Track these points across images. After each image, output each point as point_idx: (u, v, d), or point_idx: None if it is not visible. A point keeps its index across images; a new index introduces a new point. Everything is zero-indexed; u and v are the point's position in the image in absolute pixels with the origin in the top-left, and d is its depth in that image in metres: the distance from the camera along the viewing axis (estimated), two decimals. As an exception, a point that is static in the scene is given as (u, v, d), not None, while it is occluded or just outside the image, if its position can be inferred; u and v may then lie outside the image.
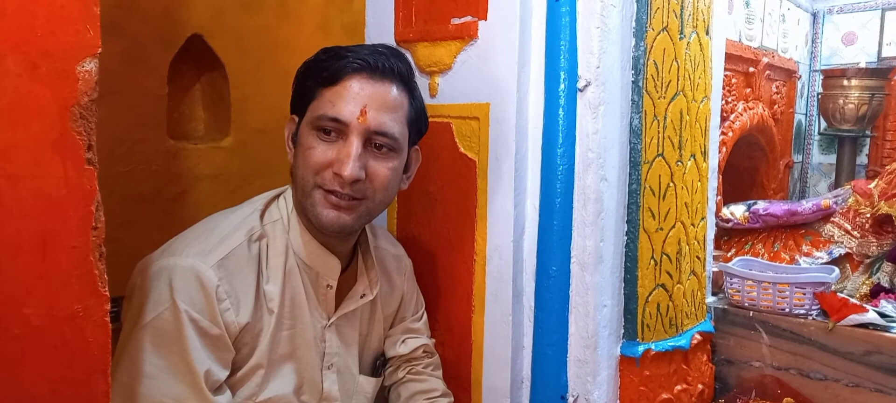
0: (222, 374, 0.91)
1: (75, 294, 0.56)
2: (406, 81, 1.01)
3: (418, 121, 1.05)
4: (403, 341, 1.19)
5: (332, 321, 1.05)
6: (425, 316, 1.25)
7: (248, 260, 0.94)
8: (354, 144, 0.93)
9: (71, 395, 0.57)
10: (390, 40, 1.31)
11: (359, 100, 0.94)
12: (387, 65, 0.97)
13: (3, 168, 0.53)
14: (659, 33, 1.18)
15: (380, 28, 1.33)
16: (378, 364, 1.18)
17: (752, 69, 2.07)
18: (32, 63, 0.53)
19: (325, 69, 0.96)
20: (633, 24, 1.15)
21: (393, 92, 0.97)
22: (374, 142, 0.96)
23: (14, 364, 0.55)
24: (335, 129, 0.94)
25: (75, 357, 0.57)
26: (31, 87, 0.53)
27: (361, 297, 1.09)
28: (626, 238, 1.20)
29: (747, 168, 2.34)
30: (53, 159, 0.54)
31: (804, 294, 1.44)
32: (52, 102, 0.54)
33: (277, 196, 1.04)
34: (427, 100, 1.26)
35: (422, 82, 1.27)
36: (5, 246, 0.53)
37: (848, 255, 1.76)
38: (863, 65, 2.41)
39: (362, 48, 1.00)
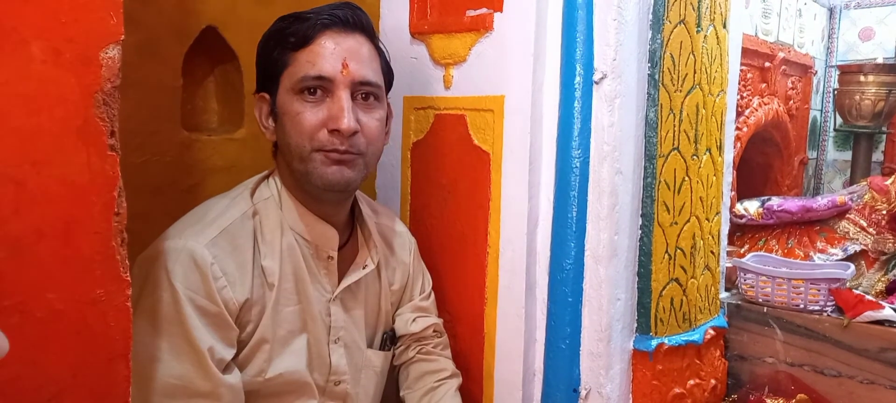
0: (227, 353, 0.91)
1: (97, 279, 0.57)
2: (372, 33, 1.03)
3: (388, 72, 1.08)
4: (414, 320, 1.19)
5: (336, 293, 1.05)
6: (433, 295, 1.25)
7: (242, 238, 0.95)
8: (344, 97, 0.95)
9: (92, 379, 0.58)
10: (405, 33, 1.31)
11: (337, 54, 0.95)
12: (354, 18, 0.98)
13: (28, 154, 0.53)
14: (676, 26, 1.17)
15: (394, 20, 1.33)
16: (386, 340, 1.18)
17: (767, 64, 2.05)
18: (56, 49, 0.54)
19: (291, 34, 0.96)
20: (650, 16, 1.14)
21: (365, 43, 1.00)
22: (360, 92, 0.98)
23: (37, 348, 0.55)
24: (320, 88, 0.95)
25: (97, 342, 0.57)
26: (55, 74, 0.54)
27: (364, 268, 1.09)
28: (640, 231, 1.19)
29: (761, 164, 2.32)
30: (77, 145, 0.55)
31: (819, 290, 1.43)
32: (76, 89, 0.54)
33: (265, 177, 1.05)
34: (441, 93, 1.26)
35: (436, 74, 1.27)
36: (29, 231, 0.54)
37: (863, 252, 1.74)
38: (880, 60, 2.37)
39: (322, 7, 0.99)
